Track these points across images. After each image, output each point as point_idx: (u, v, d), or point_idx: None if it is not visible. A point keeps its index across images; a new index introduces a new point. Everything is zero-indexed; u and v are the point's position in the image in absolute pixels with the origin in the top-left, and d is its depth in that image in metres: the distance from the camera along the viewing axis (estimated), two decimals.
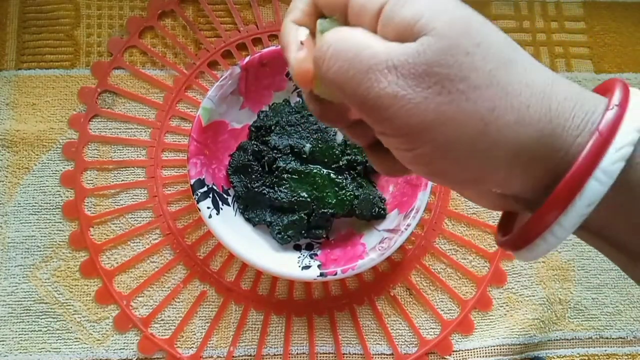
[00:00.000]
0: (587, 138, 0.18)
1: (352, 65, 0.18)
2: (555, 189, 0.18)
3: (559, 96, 0.18)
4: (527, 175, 0.19)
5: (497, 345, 0.43)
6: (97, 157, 0.45)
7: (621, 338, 0.45)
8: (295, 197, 0.41)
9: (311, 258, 0.41)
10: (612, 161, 0.17)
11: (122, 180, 0.45)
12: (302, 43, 0.20)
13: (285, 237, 0.41)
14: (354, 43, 0.18)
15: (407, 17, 0.18)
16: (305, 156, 0.42)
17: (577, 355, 0.44)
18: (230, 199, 0.43)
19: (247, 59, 0.42)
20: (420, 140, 0.18)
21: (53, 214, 0.44)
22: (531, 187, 0.19)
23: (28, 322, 0.42)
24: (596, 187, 0.17)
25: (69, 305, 0.43)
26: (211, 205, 0.41)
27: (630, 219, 0.19)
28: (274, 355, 0.43)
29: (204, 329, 0.43)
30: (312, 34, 0.21)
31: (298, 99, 0.45)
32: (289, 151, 0.42)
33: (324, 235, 0.42)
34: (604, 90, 0.20)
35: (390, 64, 0.17)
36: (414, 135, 0.18)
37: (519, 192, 0.20)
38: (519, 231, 0.20)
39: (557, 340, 0.44)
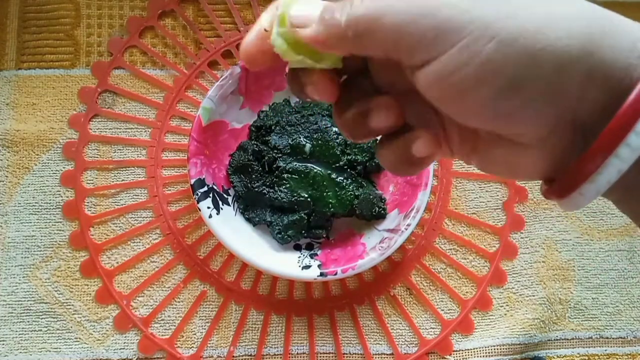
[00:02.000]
0: None
1: None
2: (614, 118, 0.17)
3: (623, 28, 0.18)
4: (598, 95, 0.17)
5: (497, 345, 0.43)
6: (97, 157, 0.45)
7: (621, 338, 0.45)
8: (296, 197, 0.41)
9: (311, 258, 0.41)
10: None
11: (122, 180, 0.45)
12: (265, 30, 0.20)
13: (286, 237, 0.41)
14: None
15: None
16: (305, 156, 0.42)
17: (577, 355, 0.44)
18: (230, 199, 0.43)
19: None
20: (469, 50, 0.17)
21: (53, 214, 0.44)
22: (600, 111, 0.18)
23: (28, 321, 0.42)
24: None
25: (69, 305, 0.43)
26: (211, 205, 0.41)
27: None
28: (274, 355, 0.43)
29: (204, 328, 0.43)
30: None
31: (298, 98, 0.45)
32: (289, 151, 0.42)
33: (324, 235, 0.42)
34: None
35: None
36: (462, 47, 0.17)
37: (585, 119, 0.18)
38: (571, 170, 0.18)
39: (557, 340, 0.44)
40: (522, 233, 0.46)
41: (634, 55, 0.17)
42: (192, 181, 0.41)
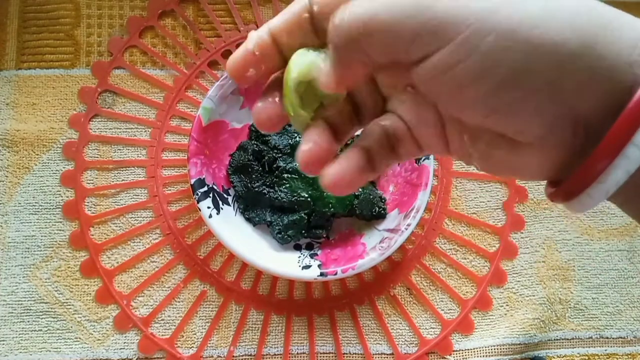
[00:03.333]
0: None
1: None
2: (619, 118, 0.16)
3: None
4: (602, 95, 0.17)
5: (498, 345, 0.43)
6: (97, 157, 0.45)
7: (621, 338, 0.45)
8: (296, 197, 0.41)
9: (311, 258, 0.41)
10: None
11: (122, 180, 0.45)
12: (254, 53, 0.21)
13: (286, 236, 0.41)
14: None
15: None
16: None
17: (578, 355, 0.44)
18: (230, 199, 0.43)
19: None
20: (475, 41, 0.17)
21: (53, 214, 0.44)
22: (603, 110, 0.17)
23: (28, 321, 0.42)
24: None
25: (69, 305, 0.43)
26: (211, 205, 0.41)
27: None
28: (274, 355, 0.43)
29: (204, 328, 0.43)
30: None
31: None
32: (289, 151, 0.42)
33: (324, 235, 0.42)
34: None
35: None
36: (467, 37, 0.17)
37: (588, 116, 0.18)
38: (578, 171, 0.18)
39: (557, 340, 0.44)
40: (522, 233, 0.46)
41: (637, 52, 0.17)
42: (192, 181, 0.41)
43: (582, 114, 0.17)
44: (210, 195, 0.41)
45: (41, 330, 0.42)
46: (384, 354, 0.43)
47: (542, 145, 0.19)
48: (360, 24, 0.18)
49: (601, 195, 0.18)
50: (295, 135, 0.42)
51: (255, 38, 0.21)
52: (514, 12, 0.17)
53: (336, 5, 0.19)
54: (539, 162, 0.19)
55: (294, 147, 0.42)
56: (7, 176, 0.45)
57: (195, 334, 0.43)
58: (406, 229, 0.40)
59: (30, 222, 0.44)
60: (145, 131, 0.46)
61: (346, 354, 0.43)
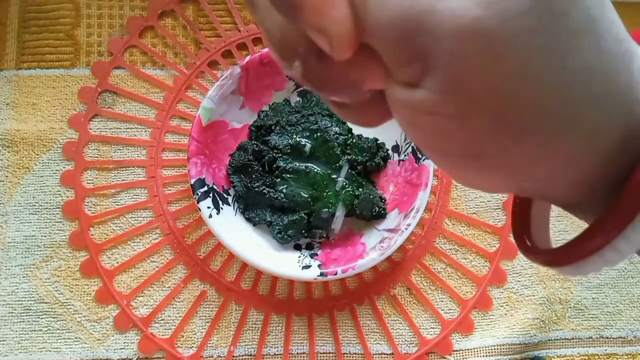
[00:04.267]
0: None
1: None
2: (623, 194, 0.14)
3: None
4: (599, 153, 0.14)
5: (498, 345, 0.43)
6: (97, 157, 0.45)
7: (621, 338, 0.45)
8: (296, 197, 0.41)
9: (311, 258, 0.41)
10: None
11: (122, 180, 0.45)
12: None
13: (286, 236, 0.41)
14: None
15: None
16: (305, 156, 0.42)
17: (578, 355, 0.44)
18: (230, 199, 0.43)
19: (248, 58, 0.42)
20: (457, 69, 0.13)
21: (53, 214, 0.44)
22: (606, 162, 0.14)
23: (28, 321, 0.42)
24: None
25: (69, 305, 0.43)
26: (211, 205, 0.41)
27: None
28: (274, 354, 0.43)
29: (204, 328, 0.43)
30: None
31: (298, 98, 0.45)
32: (289, 151, 0.42)
33: (324, 235, 0.42)
34: None
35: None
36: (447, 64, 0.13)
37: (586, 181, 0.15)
38: (568, 246, 0.16)
39: (557, 339, 0.44)
40: None
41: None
42: (192, 181, 0.41)
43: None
44: (210, 195, 0.41)
45: (41, 330, 0.42)
46: (384, 353, 0.43)
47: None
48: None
49: (596, 268, 0.15)
50: (295, 135, 0.42)
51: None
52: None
53: None
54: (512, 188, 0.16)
55: (294, 147, 0.42)
56: (7, 176, 0.45)
57: (195, 334, 0.43)
58: (406, 229, 0.40)
59: (30, 222, 0.44)
60: (145, 131, 0.46)
61: (346, 354, 0.43)
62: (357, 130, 0.44)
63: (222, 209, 0.41)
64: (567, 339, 0.44)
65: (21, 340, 0.42)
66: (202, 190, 0.41)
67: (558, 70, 0.13)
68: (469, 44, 0.12)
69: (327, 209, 0.41)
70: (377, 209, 0.42)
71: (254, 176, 0.42)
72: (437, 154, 0.15)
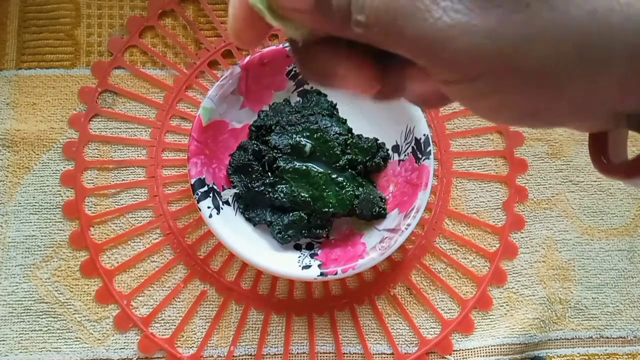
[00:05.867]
0: None
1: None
2: None
3: None
4: None
5: (498, 345, 0.43)
6: (97, 157, 0.45)
7: (621, 337, 0.45)
8: (296, 197, 0.41)
9: (311, 257, 0.41)
10: None
11: (122, 180, 0.45)
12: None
13: (286, 236, 0.41)
14: None
15: None
16: (305, 156, 0.42)
17: (578, 355, 0.44)
18: (230, 199, 0.43)
19: (248, 58, 0.42)
20: (500, 79, 0.14)
21: (53, 214, 0.44)
22: None
23: (28, 321, 0.42)
24: None
25: (70, 305, 0.43)
26: (211, 205, 0.41)
27: None
28: (275, 354, 0.43)
29: (205, 328, 0.43)
30: None
31: (298, 98, 0.45)
32: (289, 151, 0.42)
33: (324, 235, 0.42)
34: None
35: None
36: (490, 75, 0.14)
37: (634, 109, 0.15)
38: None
39: (557, 339, 0.44)
40: (522, 233, 0.46)
41: None
42: (192, 181, 0.41)
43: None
44: (210, 195, 0.41)
45: (41, 330, 0.42)
46: (384, 353, 0.43)
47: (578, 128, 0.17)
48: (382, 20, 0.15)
49: None
50: (295, 135, 0.42)
51: None
52: (542, 52, 0.14)
53: None
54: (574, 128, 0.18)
55: (294, 147, 0.42)
56: (7, 176, 0.45)
57: (195, 333, 0.43)
58: (406, 229, 0.40)
59: (31, 222, 0.44)
60: (145, 131, 0.46)
61: (346, 353, 0.43)
62: (357, 130, 0.44)
63: (222, 209, 0.41)
64: (567, 339, 0.44)
65: (21, 340, 0.42)
66: (202, 190, 0.41)
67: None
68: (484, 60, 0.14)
69: (327, 209, 0.41)
70: (377, 209, 0.42)
71: (254, 176, 0.42)
72: (498, 120, 0.17)
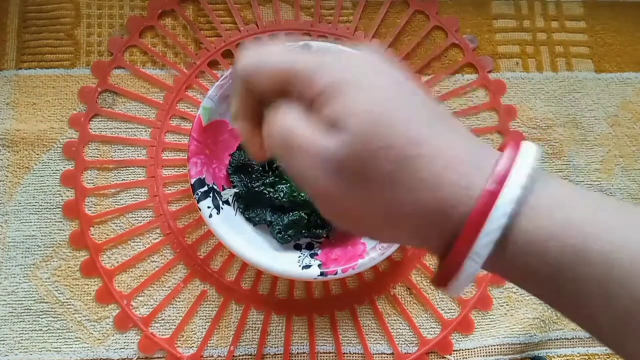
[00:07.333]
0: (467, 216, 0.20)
1: (293, 158, 0.21)
2: (445, 259, 0.20)
3: (449, 187, 0.20)
4: (429, 241, 0.21)
5: (498, 345, 0.43)
6: (97, 157, 0.46)
7: None
8: (296, 197, 0.41)
9: (311, 257, 0.41)
10: (483, 245, 0.19)
11: (122, 180, 0.45)
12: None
13: (286, 236, 0.41)
14: (291, 136, 0.20)
15: (329, 114, 0.20)
16: None
17: (578, 355, 0.44)
18: (230, 199, 0.43)
19: None
20: (345, 220, 0.22)
21: (53, 214, 0.44)
22: (436, 247, 0.21)
23: (28, 321, 0.42)
24: (471, 265, 0.20)
25: (70, 305, 0.43)
26: (211, 205, 0.41)
27: (517, 272, 0.21)
28: (275, 354, 0.43)
29: (205, 328, 0.43)
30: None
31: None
32: None
33: (325, 235, 0.42)
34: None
35: (320, 160, 0.20)
36: (342, 219, 0.22)
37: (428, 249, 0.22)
38: (435, 275, 0.22)
39: (557, 339, 0.44)
40: None
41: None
42: (192, 181, 0.41)
43: (432, 248, 0.22)
44: (210, 195, 0.41)
45: (41, 330, 0.42)
46: (384, 353, 0.43)
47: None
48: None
49: (458, 288, 0.21)
50: None
51: (242, 130, 0.26)
52: (365, 215, 0.21)
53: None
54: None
55: None
56: (7, 176, 0.45)
57: (195, 333, 0.43)
58: None
59: (31, 222, 0.44)
60: (145, 131, 0.46)
61: (346, 353, 0.43)
62: None
63: (222, 208, 0.41)
64: (567, 339, 0.44)
65: (21, 340, 0.42)
66: (202, 190, 0.41)
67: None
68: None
69: None
70: None
71: (254, 176, 0.42)
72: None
